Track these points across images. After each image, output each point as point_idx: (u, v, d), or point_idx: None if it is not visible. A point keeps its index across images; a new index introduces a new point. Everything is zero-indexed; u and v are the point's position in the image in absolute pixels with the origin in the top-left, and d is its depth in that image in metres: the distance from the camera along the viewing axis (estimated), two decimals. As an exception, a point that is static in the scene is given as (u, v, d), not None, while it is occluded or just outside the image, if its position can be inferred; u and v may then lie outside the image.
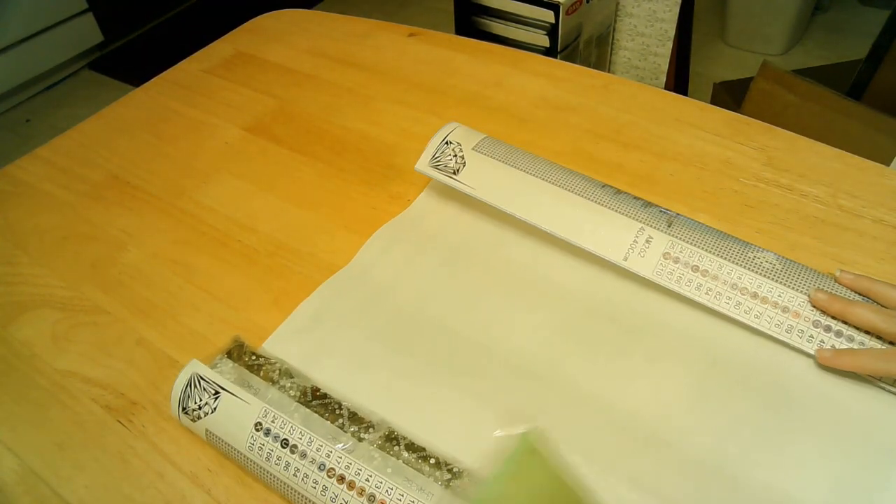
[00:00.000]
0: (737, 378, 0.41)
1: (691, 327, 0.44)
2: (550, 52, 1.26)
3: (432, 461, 0.36)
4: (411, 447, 0.37)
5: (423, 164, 0.52)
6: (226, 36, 0.82)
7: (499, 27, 1.31)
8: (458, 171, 0.51)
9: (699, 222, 0.46)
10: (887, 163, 0.55)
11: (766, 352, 0.42)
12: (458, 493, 0.35)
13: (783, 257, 0.44)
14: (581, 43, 1.31)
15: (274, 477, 0.37)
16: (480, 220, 0.53)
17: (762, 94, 1.18)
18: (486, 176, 0.50)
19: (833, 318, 0.41)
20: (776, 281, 0.42)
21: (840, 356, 0.39)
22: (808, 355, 0.41)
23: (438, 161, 0.51)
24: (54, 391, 0.45)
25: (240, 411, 0.39)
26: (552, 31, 1.23)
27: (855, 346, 0.40)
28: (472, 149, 0.51)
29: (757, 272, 0.42)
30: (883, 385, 0.39)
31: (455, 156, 0.51)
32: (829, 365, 0.40)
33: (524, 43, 1.28)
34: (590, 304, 0.46)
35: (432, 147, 0.52)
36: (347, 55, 0.75)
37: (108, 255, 0.55)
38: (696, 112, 0.61)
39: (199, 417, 0.40)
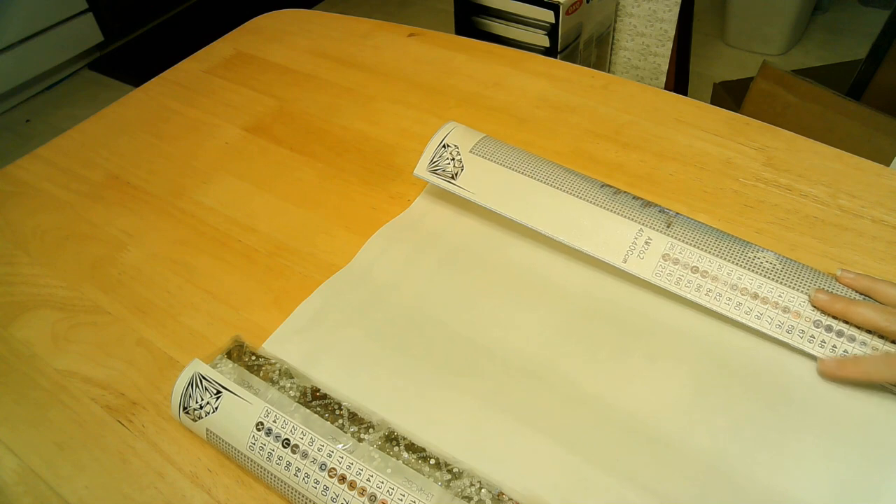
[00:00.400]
0: (737, 378, 0.41)
1: (692, 327, 0.44)
2: (550, 52, 1.26)
3: (432, 461, 0.36)
4: (411, 447, 0.37)
5: (421, 170, 0.52)
6: (226, 36, 0.82)
7: (499, 27, 1.31)
8: (456, 175, 0.51)
9: (699, 222, 0.46)
10: (887, 163, 0.55)
11: (767, 352, 0.42)
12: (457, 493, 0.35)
13: (783, 257, 0.44)
14: (581, 43, 1.31)
15: (274, 476, 0.37)
16: (480, 221, 0.53)
17: (762, 94, 1.18)
18: (484, 179, 0.50)
19: (834, 318, 0.41)
20: (776, 281, 0.42)
21: (843, 367, 0.39)
22: (809, 356, 0.41)
23: (437, 165, 0.52)
24: (54, 391, 0.45)
25: (241, 411, 0.39)
26: (552, 31, 1.23)
27: (856, 346, 0.40)
28: (470, 151, 0.51)
29: (757, 272, 0.42)
30: (891, 387, 0.39)
31: (453, 160, 0.51)
32: (833, 377, 0.40)
33: (524, 43, 1.28)
34: (590, 303, 0.46)
35: (430, 151, 0.52)
36: (347, 55, 0.75)
37: (108, 255, 0.55)
38: (696, 112, 0.61)
39: (200, 417, 0.40)
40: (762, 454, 0.38)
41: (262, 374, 0.42)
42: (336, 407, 0.39)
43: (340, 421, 0.39)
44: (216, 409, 0.39)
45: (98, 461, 0.41)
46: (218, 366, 0.42)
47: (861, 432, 0.38)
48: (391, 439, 0.38)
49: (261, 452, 0.38)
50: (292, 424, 0.37)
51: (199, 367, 0.41)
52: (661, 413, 0.40)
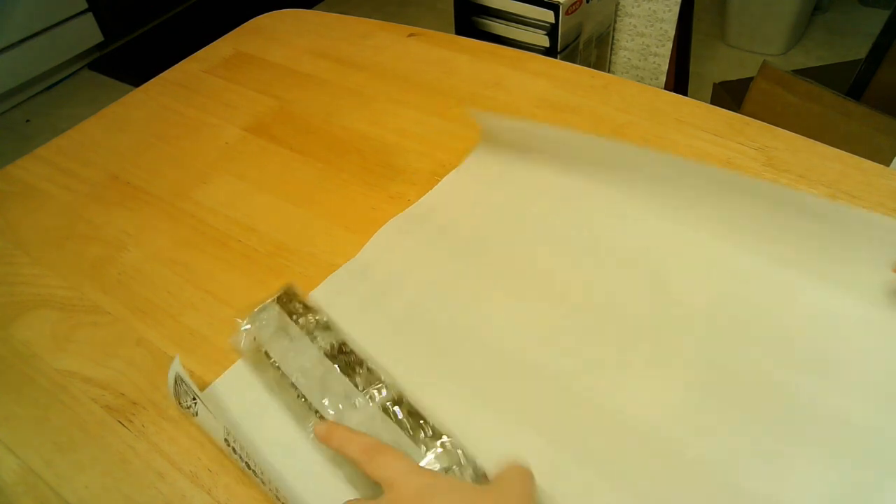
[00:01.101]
0: (737, 384, 0.41)
1: (693, 332, 0.44)
2: (550, 52, 1.26)
3: (429, 432, 0.37)
4: (413, 413, 0.38)
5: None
6: (226, 36, 0.82)
7: (499, 27, 1.31)
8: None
9: None
10: (887, 163, 0.55)
11: (769, 360, 0.42)
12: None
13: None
14: (581, 43, 1.31)
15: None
16: (486, 219, 0.53)
17: (762, 94, 1.18)
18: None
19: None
20: None
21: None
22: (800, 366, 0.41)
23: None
24: (54, 391, 0.45)
25: (213, 422, 0.39)
26: (552, 31, 1.23)
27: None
28: None
29: None
30: None
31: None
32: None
33: (524, 43, 1.28)
34: (592, 304, 0.46)
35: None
36: (347, 55, 0.75)
37: (108, 255, 0.55)
38: (696, 112, 0.61)
39: (191, 416, 0.40)
40: (759, 462, 0.37)
41: (300, 323, 0.43)
42: (358, 364, 0.41)
43: (358, 378, 0.40)
44: (197, 413, 0.40)
45: (98, 461, 0.41)
46: (266, 309, 0.44)
47: (861, 444, 0.38)
48: (398, 402, 0.39)
49: (238, 461, 0.38)
50: (248, 450, 0.37)
51: (178, 368, 0.41)
52: (659, 418, 0.40)
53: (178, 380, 0.40)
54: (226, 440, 0.38)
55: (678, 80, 1.46)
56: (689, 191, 0.49)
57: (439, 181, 0.57)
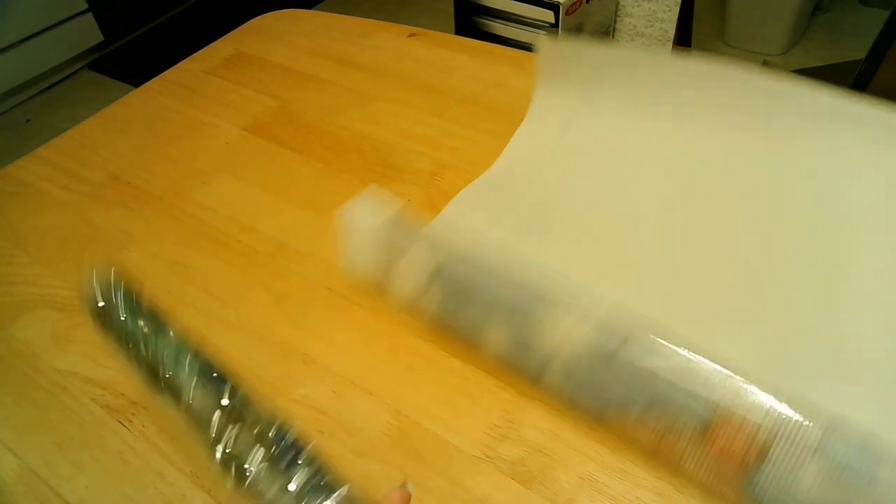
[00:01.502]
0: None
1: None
2: (550, 52, 1.26)
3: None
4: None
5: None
6: (226, 36, 0.82)
7: (499, 27, 1.31)
8: None
9: None
10: (887, 163, 0.55)
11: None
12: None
13: None
14: (581, 43, 1.31)
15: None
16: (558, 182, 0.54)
17: (762, 94, 1.18)
18: None
19: None
20: None
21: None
22: None
23: None
24: (54, 391, 0.45)
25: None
26: (552, 31, 1.23)
27: None
28: None
29: None
30: None
31: None
32: None
33: (524, 43, 1.28)
34: (665, 278, 0.46)
35: None
36: (347, 55, 0.75)
37: (108, 255, 0.55)
38: (696, 112, 0.61)
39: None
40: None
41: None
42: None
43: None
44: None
45: (98, 461, 0.41)
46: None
47: None
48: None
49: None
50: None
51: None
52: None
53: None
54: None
55: (678, 80, 1.46)
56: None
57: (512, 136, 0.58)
